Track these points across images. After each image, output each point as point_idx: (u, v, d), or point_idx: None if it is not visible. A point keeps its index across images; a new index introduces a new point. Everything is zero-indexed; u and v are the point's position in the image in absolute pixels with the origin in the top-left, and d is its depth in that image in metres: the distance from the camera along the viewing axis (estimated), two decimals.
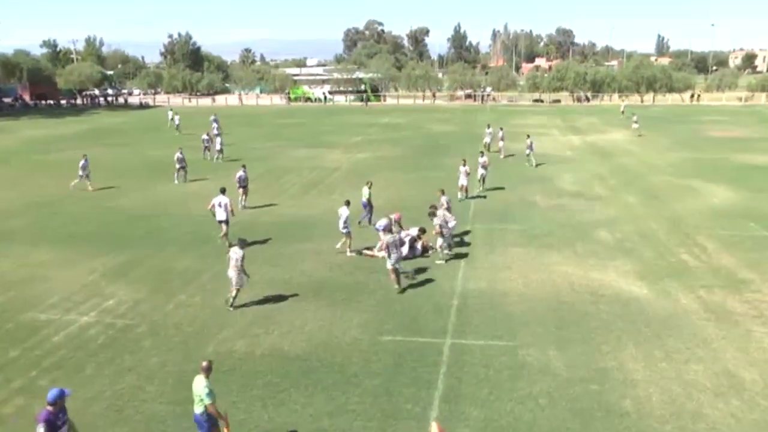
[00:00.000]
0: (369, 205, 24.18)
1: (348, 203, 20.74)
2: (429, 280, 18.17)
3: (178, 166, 33.64)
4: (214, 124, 50.77)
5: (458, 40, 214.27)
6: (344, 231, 20.53)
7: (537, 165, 37.15)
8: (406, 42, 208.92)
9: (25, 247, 21.95)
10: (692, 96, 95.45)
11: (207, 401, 9.67)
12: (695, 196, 28.78)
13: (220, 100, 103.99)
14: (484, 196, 28.59)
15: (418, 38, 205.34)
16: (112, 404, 11.96)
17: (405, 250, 19.77)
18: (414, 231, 20.87)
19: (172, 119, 59.98)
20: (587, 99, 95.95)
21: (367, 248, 20.78)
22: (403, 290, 17.38)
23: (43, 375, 13.02)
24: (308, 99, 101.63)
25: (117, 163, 40.45)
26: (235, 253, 16.18)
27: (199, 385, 9.79)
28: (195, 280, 18.47)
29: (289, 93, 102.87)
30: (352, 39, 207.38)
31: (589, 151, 43.36)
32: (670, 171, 35.23)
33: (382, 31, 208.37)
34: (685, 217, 25.08)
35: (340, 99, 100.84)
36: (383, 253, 18.26)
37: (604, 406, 11.70)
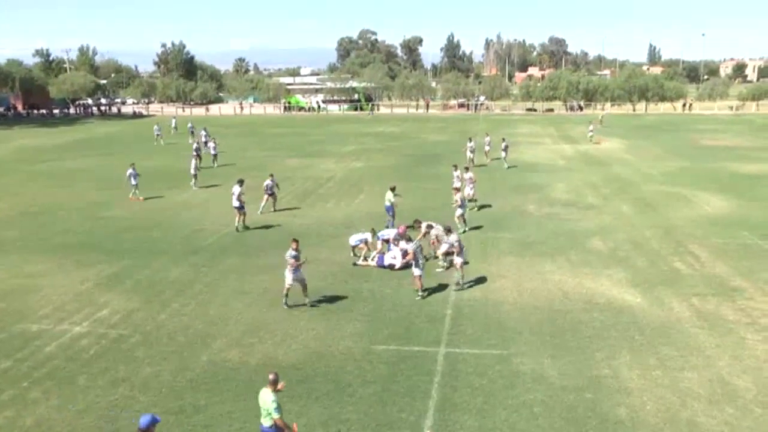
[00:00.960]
0: (393, 210, 24.38)
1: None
2: (423, 290, 18.14)
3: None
4: (202, 132, 51.73)
5: (451, 49, 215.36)
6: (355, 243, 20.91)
7: (508, 167, 38.88)
8: (399, 51, 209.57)
9: (16, 257, 21.86)
10: (684, 105, 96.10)
11: (275, 415, 9.60)
12: (688, 205, 28.92)
13: (214, 109, 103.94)
14: (477, 208, 28.47)
15: (411, 47, 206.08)
16: (105, 415, 11.89)
17: (398, 261, 19.87)
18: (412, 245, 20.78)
19: (169, 128, 60.49)
20: (580, 108, 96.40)
21: (364, 258, 20.78)
22: (426, 295, 17.62)
23: (35, 386, 12.95)
24: (301, 108, 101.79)
25: (109, 173, 40.31)
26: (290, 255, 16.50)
27: (267, 398, 9.69)
28: (188, 289, 18.43)
29: (289, 102, 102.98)
30: (345, 48, 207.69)
31: (582, 160, 43.53)
32: (662, 180, 35.40)
33: (376, 40, 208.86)
34: (678, 225, 25.18)
35: (333, 108, 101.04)
36: (374, 263, 19.18)
37: (599, 415, 11.71)
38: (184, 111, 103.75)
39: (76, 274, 19.90)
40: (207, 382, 13.04)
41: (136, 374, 13.38)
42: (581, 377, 13.03)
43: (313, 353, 14.23)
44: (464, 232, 23.81)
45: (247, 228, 25.25)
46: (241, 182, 25.84)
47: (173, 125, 65.59)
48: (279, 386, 9.86)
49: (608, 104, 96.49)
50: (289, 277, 16.67)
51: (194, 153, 40.39)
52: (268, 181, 28.41)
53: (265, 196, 28.26)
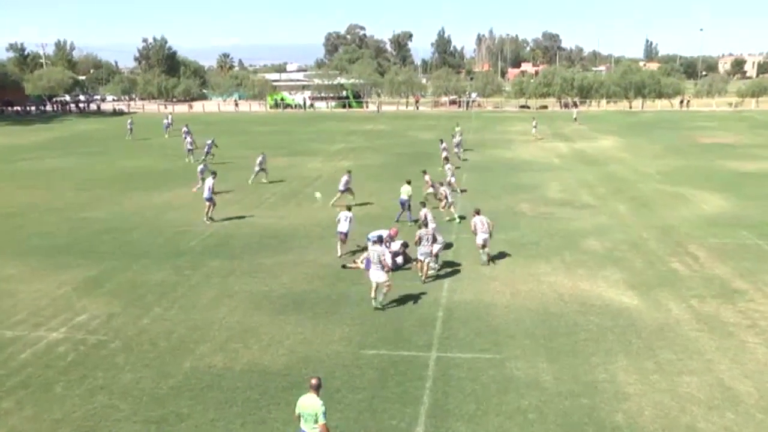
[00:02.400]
0: (408, 203, 25.57)
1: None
2: (413, 292, 18.14)
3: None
4: (184, 129, 51.53)
5: (442, 44, 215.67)
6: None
7: (463, 160, 40.87)
8: (388, 47, 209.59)
9: None
10: (681, 102, 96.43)
11: (323, 420, 9.61)
12: (686, 204, 29.04)
13: (198, 106, 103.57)
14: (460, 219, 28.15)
15: (401, 43, 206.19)
16: (82, 425, 11.78)
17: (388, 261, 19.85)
18: (397, 245, 20.83)
19: (131, 126, 60.45)
20: (575, 105, 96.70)
21: (353, 261, 20.74)
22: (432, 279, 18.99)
23: (8, 396, 12.81)
24: (288, 105, 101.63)
25: (88, 172, 40.12)
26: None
27: (316, 403, 9.70)
28: (170, 293, 18.32)
29: (282, 99, 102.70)
30: (333, 44, 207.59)
31: (576, 159, 43.66)
32: (659, 178, 35.56)
33: (364, 35, 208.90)
34: (675, 225, 25.29)
35: (321, 105, 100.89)
36: (362, 265, 19.48)
37: (595, 421, 11.71)
38: (166, 108, 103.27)
39: (53, 277, 19.74)
40: (190, 389, 12.95)
41: (116, 382, 13.27)
42: (577, 382, 13.03)
43: (301, 358, 14.17)
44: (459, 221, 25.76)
45: (212, 219, 26.38)
46: (214, 174, 27.61)
47: (169, 121, 64.94)
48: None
49: (603, 101, 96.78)
50: (377, 275, 16.87)
51: (188, 147, 44.17)
52: (260, 158, 35.30)
53: (256, 169, 34.69)
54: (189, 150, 44.64)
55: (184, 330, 15.75)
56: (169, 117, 66.58)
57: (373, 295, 17.07)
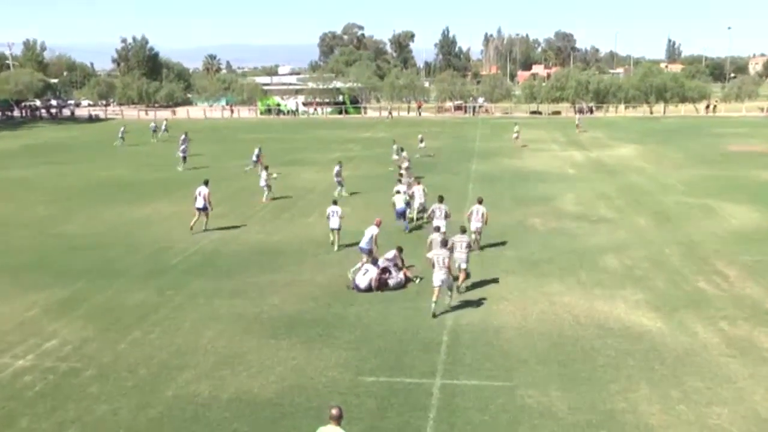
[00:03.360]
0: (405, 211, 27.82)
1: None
2: (415, 313, 18.12)
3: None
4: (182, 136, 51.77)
5: (447, 45, 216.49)
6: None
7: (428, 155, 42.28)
8: (389, 48, 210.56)
9: None
10: (708, 106, 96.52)
11: None
12: (713, 218, 29.06)
13: (182, 112, 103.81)
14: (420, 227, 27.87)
15: (402, 43, 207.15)
16: None
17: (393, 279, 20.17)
18: (391, 254, 20.82)
19: (123, 134, 61.37)
20: (590, 111, 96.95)
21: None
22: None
23: None
24: (280, 111, 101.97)
25: (60, 184, 40.17)
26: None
27: None
28: (151, 315, 18.28)
29: (277, 106, 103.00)
30: (328, 44, 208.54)
31: (593, 169, 43.76)
32: (684, 190, 35.61)
33: (363, 35, 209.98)
34: (702, 240, 25.29)
35: (316, 111, 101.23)
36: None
37: None
38: (147, 114, 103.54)
39: (21, 299, 19.69)
40: (173, 421, 12.89)
41: (89, 413, 13.20)
42: (594, 412, 12.99)
43: (293, 386, 14.13)
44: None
45: (205, 230, 27.11)
46: (207, 183, 27.94)
47: (164, 128, 66.71)
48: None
49: (622, 106, 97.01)
50: (440, 277, 17.78)
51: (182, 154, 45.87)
52: (256, 150, 42.57)
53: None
54: (183, 158, 45.66)
55: (166, 355, 15.70)
56: (164, 123, 68.14)
57: (435, 299, 17.84)
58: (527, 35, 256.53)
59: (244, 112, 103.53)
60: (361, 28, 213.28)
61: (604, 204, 32.25)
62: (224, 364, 15.24)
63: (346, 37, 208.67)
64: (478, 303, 18.88)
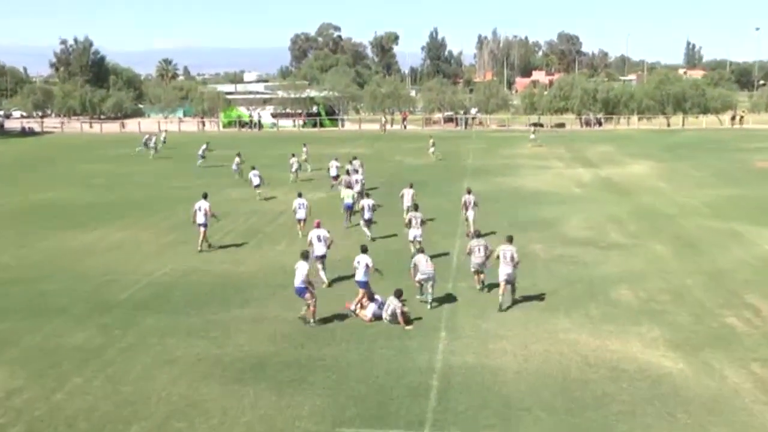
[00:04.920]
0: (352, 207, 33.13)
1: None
2: (401, 353, 18.09)
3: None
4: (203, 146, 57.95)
5: (435, 48, 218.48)
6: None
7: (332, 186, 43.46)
8: (369, 51, 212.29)
9: None
10: (733, 118, 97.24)
11: None
12: (741, 244, 29.29)
13: (132, 125, 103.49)
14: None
15: (384, 47, 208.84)
16: None
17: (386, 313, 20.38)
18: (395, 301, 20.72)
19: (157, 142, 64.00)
20: (598, 123, 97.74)
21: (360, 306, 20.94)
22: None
23: None
24: (245, 124, 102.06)
25: None
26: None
27: None
28: (95, 358, 18.10)
29: (240, 118, 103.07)
30: (301, 48, 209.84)
31: (602, 188, 44.08)
32: (706, 212, 35.90)
33: (340, 37, 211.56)
34: (729, 270, 25.46)
35: (286, 124, 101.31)
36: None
37: None
38: (91, 127, 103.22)
39: None
40: None
41: None
42: None
43: None
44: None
45: (210, 247, 29.03)
46: (206, 196, 29.71)
47: (163, 140, 68.73)
48: None
49: (634, 117, 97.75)
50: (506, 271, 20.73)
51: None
52: (237, 159, 47.76)
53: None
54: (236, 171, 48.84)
55: (111, 406, 15.54)
56: (163, 135, 70.43)
57: (502, 292, 21.22)
58: (526, 37, 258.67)
59: (207, 125, 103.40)
60: (337, 29, 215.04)
61: (615, 228, 32.43)
62: (180, 415, 15.11)
63: (320, 39, 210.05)
64: (472, 340, 18.85)
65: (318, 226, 24.73)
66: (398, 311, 19.86)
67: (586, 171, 51.97)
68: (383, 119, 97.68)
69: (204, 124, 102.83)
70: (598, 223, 33.65)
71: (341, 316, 20.78)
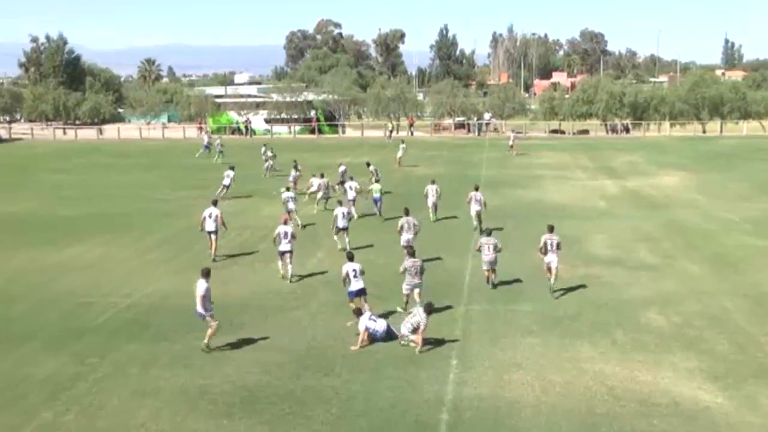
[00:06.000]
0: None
1: None
2: (407, 384, 18.06)
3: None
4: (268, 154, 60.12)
5: (445, 47, 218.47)
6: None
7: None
8: (373, 51, 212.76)
9: None
10: None
11: None
12: None
13: (111, 132, 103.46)
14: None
15: (389, 45, 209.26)
16: None
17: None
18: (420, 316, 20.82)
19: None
20: (626, 129, 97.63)
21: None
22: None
23: None
24: (237, 130, 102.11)
25: None
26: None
27: None
28: (67, 390, 18.07)
29: (230, 123, 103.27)
30: (297, 46, 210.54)
31: (630, 202, 44.04)
32: (747, 228, 35.83)
33: (340, 35, 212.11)
34: None
35: (281, 130, 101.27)
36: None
37: None
38: (65, 133, 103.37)
39: None
40: None
41: None
42: None
43: None
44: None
45: (214, 260, 29.56)
46: (216, 203, 32.07)
47: (218, 149, 69.48)
48: None
49: (666, 123, 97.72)
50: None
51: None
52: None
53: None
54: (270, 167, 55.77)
55: None
56: (218, 142, 71.28)
57: (552, 279, 24.73)
58: (546, 35, 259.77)
59: (192, 131, 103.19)
60: (338, 26, 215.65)
61: (645, 246, 32.36)
62: None
63: (319, 37, 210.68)
64: (486, 370, 18.81)
65: (285, 222, 28.00)
66: (422, 326, 20.01)
67: (612, 182, 51.89)
68: (389, 125, 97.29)
69: (201, 130, 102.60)
70: (626, 240, 33.59)
71: (340, 343, 20.75)
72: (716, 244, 32.58)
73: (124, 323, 22.94)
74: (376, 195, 39.62)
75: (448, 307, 23.51)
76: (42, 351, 20.64)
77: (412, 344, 20.20)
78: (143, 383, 18.39)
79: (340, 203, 33.34)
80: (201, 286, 20.36)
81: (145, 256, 31.26)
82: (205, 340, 20.37)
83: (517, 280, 26.90)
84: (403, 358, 19.74)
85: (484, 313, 23.28)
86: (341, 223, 31.34)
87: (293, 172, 47.18)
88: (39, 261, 30.96)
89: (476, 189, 35.17)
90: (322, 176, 42.59)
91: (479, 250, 25.67)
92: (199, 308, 20.28)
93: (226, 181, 44.68)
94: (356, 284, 22.23)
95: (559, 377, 18.40)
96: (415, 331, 20.17)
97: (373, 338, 20.68)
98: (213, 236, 30.38)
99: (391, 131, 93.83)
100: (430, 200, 38.22)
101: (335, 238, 31.43)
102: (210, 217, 30.33)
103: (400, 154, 63.42)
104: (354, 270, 22.33)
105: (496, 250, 25.38)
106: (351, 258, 22.93)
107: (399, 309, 23.10)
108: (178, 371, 19.08)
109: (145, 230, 36.55)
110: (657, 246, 32.41)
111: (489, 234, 26.37)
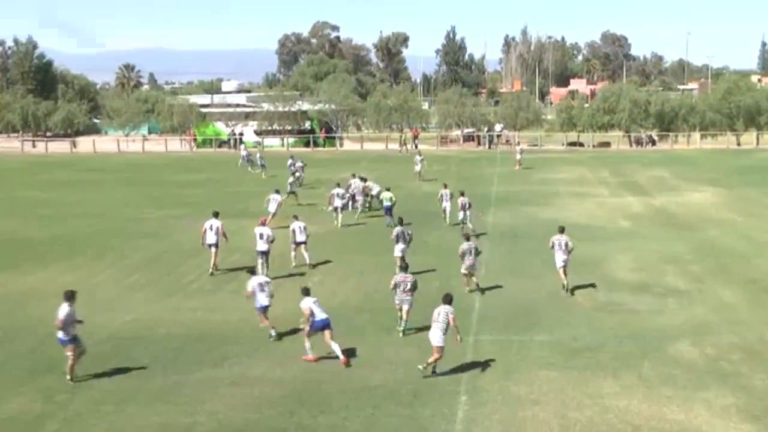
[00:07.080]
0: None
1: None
2: (411, 422, 18.02)
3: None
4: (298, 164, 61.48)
5: (452, 52, 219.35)
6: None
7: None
8: (373, 56, 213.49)
9: None
10: None
11: None
12: None
13: (86, 144, 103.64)
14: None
15: (392, 50, 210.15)
16: None
17: None
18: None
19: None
20: (652, 141, 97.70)
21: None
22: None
23: None
24: (224, 143, 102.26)
25: None
26: None
27: None
28: (33, 430, 18.00)
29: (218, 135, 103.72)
30: (291, 51, 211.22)
31: (657, 221, 44.06)
32: None
33: (338, 38, 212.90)
34: None
35: (273, 142, 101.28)
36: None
37: None
38: (35, 146, 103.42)
39: None
40: None
41: None
42: None
43: None
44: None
45: (212, 275, 31.48)
46: (217, 215, 32.89)
47: (260, 162, 70.50)
48: None
49: (696, 135, 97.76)
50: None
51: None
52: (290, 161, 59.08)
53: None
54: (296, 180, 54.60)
55: None
56: (258, 155, 73.25)
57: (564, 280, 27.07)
58: (563, 38, 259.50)
59: (175, 144, 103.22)
60: (335, 28, 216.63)
61: (673, 269, 32.36)
62: None
63: (314, 40, 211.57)
64: (498, 406, 18.77)
65: (263, 223, 32.05)
66: (451, 317, 20.47)
67: (636, 200, 51.95)
68: (402, 136, 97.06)
69: (190, 143, 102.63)
70: (652, 263, 33.58)
71: (338, 377, 20.70)
72: (751, 268, 32.56)
73: (100, 355, 22.79)
74: (387, 203, 42.12)
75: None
76: (6, 386, 20.57)
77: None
78: (119, 423, 18.32)
79: (296, 217, 33.77)
80: (62, 310, 20.35)
81: (123, 280, 31.25)
82: (68, 375, 20.49)
83: (532, 308, 26.86)
84: (407, 393, 19.67)
85: (496, 343, 23.23)
86: (300, 237, 32.58)
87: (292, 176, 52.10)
88: (5, 287, 30.94)
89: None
90: (363, 180, 47.84)
91: (462, 257, 28.12)
92: (60, 334, 20.33)
93: (273, 207, 42.24)
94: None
95: (579, 415, 18.36)
96: (446, 329, 20.39)
97: (311, 324, 21.32)
98: (214, 249, 31.80)
99: (404, 142, 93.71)
100: (444, 203, 42.70)
101: (292, 254, 33.02)
102: (211, 229, 31.75)
103: (417, 168, 64.61)
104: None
105: (477, 253, 28.43)
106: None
107: (398, 328, 24.08)
108: (158, 408, 19.02)
109: (122, 253, 36.52)
110: (686, 269, 32.40)
111: (468, 239, 29.22)
